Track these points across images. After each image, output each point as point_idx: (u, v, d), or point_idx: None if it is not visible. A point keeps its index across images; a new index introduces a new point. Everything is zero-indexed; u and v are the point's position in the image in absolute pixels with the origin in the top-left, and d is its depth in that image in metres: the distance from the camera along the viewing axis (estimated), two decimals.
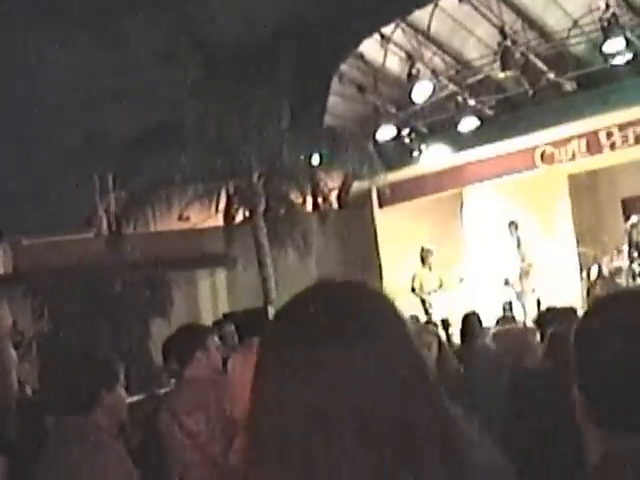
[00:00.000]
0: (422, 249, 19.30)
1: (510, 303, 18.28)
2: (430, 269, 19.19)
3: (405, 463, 1.46)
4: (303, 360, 1.50)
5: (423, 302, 18.96)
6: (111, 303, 16.98)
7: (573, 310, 7.92)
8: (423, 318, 18.23)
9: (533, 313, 15.88)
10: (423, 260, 19.23)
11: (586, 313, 2.05)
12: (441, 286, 18.97)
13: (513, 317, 15.42)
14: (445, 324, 16.09)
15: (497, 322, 11.86)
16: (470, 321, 9.94)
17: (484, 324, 10.48)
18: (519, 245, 18.80)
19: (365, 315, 1.56)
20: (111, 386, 4.26)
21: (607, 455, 1.87)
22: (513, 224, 18.93)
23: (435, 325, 13.88)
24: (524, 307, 18.20)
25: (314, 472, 1.45)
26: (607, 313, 1.97)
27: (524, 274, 18.63)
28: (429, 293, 18.90)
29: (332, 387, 1.47)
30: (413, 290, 19.15)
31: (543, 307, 14.30)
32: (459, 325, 10.34)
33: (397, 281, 20.52)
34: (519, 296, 18.52)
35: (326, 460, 1.45)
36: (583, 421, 1.92)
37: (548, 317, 8.16)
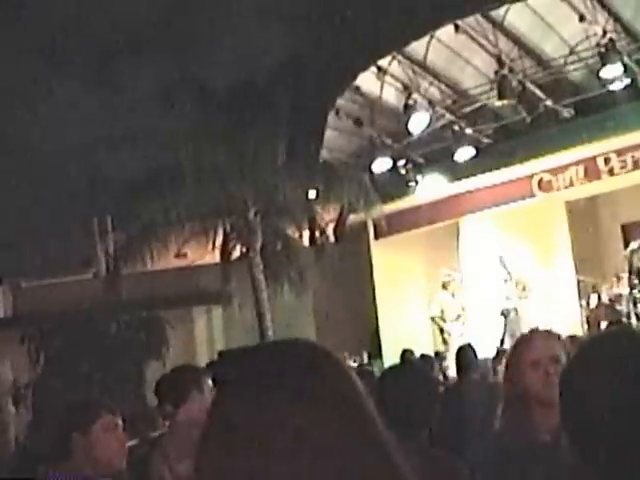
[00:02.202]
0: (443, 274, 19.17)
1: (504, 334, 18.18)
2: (453, 296, 19.03)
3: None
4: (247, 423, 1.46)
5: (442, 331, 18.79)
6: (107, 345, 16.85)
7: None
8: (440, 348, 18.13)
9: None
10: (444, 286, 19.08)
11: (572, 358, 2.00)
12: (460, 316, 18.81)
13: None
14: (439, 357, 15.94)
15: (496, 354, 11.63)
16: (465, 354, 9.70)
17: (481, 356, 10.24)
18: (508, 280, 18.64)
19: (314, 376, 1.52)
20: (85, 429, 4.07)
21: None
22: (501, 259, 18.77)
23: (433, 358, 13.66)
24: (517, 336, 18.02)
25: None
26: (594, 356, 1.93)
27: (521, 300, 18.53)
28: (451, 321, 18.71)
29: (276, 449, 1.42)
30: (432, 318, 19.00)
31: None
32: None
33: (392, 311, 20.47)
34: (516, 326, 18.38)
35: None
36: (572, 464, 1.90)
37: None
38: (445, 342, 18.54)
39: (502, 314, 18.56)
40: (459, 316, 18.89)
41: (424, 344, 18.56)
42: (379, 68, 17.86)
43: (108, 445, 4.13)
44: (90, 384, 15.89)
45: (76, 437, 4.06)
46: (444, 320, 18.83)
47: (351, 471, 1.42)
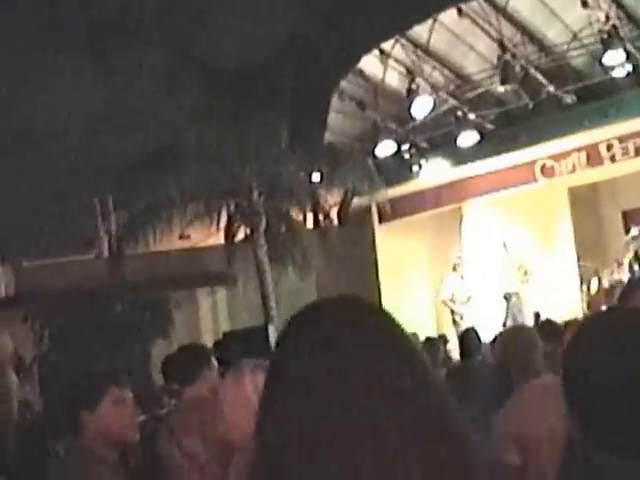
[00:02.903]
0: (454, 256, 19.23)
1: (505, 318, 18.23)
2: (462, 277, 19.10)
3: (415, 463, 1.48)
4: (310, 375, 1.52)
5: (452, 313, 18.85)
6: (112, 325, 16.92)
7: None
8: (444, 331, 18.16)
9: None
10: (455, 268, 19.14)
11: (574, 334, 2.03)
12: (469, 298, 18.87)
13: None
14: (443, 340, 16.02)
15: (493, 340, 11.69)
16: (469, 337, 9.80)
17: (483, 339, 10.32)
18: (509, 264, 18.68)
19: (371, 330, 1.59)
20: (92, 406, 4.11)
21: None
22: (504, 244, 18.80)
23: (438, 341, 13.76)
24: (518, 321, 18.09)
25: None
26: (595, 334, 1.97)
27: (523, 284, 18.57)
28: (462, 303, 18.78)
29: (339, 400, 1.49)
30: (443, 300, 19.07)
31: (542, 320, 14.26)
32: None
33: (396, 295, 20.51)
34: (517, 310, 18.44)
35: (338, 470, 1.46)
36: (574, 441, 1.94)
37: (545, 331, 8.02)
38: (455, 323, 18.57)
39: (504, 298, 18.61)
40: (469, 298, 18.94)
41: (428, 328, 18.63)
42: (382, 51, 17.92)
43: (117, 419, 4.15)
44: (96, 363, 15.96)
45: (84, 414, 4.10)
46: (454, 302, 18.90)
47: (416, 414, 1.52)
